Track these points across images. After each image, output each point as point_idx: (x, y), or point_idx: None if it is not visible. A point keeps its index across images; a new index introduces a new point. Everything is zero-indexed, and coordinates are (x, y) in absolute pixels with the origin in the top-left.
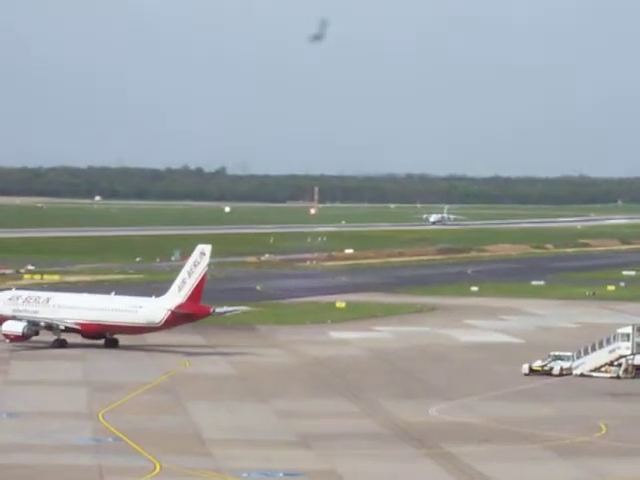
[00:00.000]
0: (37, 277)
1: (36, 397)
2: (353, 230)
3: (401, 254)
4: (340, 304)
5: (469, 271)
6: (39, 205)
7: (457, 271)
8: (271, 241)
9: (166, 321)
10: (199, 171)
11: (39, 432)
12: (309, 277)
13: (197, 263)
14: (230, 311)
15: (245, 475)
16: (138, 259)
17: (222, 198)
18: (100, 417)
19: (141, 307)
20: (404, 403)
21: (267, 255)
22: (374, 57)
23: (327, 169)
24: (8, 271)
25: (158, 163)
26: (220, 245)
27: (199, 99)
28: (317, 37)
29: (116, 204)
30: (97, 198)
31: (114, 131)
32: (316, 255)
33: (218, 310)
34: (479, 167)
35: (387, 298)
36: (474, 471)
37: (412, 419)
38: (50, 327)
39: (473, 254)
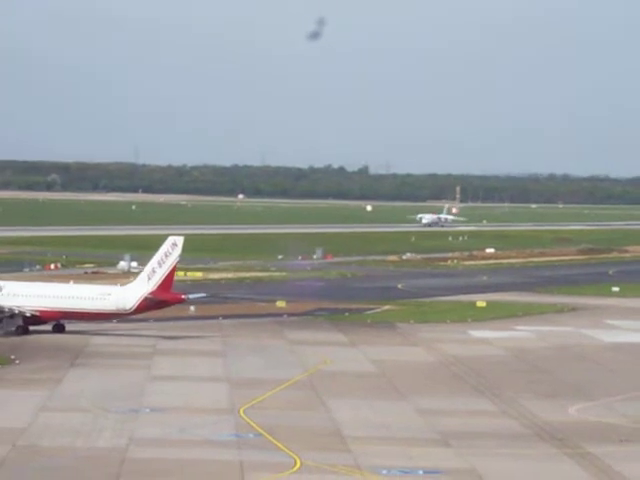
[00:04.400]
0: (180, 274)
1: (178, 392)
2: (494, 229)
3: (542, 254)
4: (481, 303)
5: (610, 272)
6: (183, 203)
7: (598, 271)
8: (412, 240)
9: (137, 307)
10: (342, 170)
11: (181, 427)
12: (450, 276)
13: (168, 254)
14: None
15: (385, 472)
16: (280, 257)
17: (364, 197)
18: (241, 413)
19: (109, 294)
20: (545, 403)
21: (408, 254)
22: (525, 55)
23: (469, 169)
24: None
25: (301, 162)
26: (361, 243)
27: (343, 100)
28: (314, 35)
29: (259, 202)
30: (240, 196)
31: (258, 130)
32: (457, 254)
33: (192, 297)
34: (623, 168)
35: (528, 298)
36: (614, 471)
37: (552, 419)
38: (12, 315)
39: (615, 255)
